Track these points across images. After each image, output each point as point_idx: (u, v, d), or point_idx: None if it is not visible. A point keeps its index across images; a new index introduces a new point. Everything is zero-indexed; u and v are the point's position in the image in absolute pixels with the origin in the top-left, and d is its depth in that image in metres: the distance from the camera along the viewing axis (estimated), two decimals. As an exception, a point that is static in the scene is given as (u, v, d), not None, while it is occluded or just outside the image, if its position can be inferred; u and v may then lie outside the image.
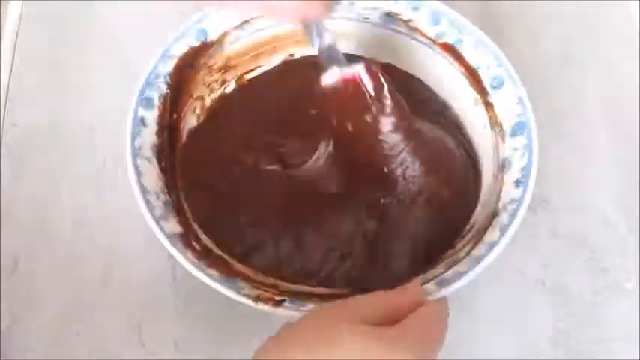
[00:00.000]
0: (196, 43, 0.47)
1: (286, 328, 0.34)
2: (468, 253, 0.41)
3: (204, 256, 0.41)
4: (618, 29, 0.58)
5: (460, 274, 0.39)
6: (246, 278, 0.41)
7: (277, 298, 0.39)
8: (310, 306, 0.39)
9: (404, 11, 0.48)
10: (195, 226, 0.44)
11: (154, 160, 0.43)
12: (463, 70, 0.48)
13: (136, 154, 0.42)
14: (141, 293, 0.46)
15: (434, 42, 0.48)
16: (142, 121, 0.43)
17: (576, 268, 0.48)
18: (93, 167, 0.50)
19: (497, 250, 0.40)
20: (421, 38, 0.49)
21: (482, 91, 0.47)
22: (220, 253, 0.43)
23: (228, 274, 0.40)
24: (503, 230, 0.41)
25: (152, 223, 0.40)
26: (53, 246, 0.47)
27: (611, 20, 0.58)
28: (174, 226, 0.41)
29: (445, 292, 0.39)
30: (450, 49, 0.48)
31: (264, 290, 0.40)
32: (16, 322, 0.45)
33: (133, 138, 0.43)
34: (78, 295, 0.46)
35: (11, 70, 0.54)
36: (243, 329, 0.42)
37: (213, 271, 0.40)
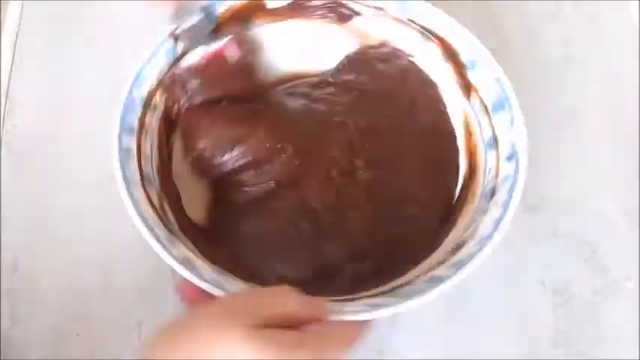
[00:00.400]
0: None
1: (175, 323, 0.32)
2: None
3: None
4: (618, 29, 0.58)
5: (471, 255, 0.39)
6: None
7: None
8: None
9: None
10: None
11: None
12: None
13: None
14: (141, 293, 0.46)
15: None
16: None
17: (576, 268, 0.48)
18: (93, 167, 0.50)
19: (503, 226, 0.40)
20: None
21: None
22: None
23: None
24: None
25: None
26: (53, 246, 0.47)
27: (611, 20, 0.58)
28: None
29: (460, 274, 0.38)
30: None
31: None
32: (16, 322, 0.45)
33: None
34: (78, 295, 0.46)
35: (11, 70, 0.54)
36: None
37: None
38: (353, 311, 0.36)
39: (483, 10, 0.57)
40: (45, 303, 0.45)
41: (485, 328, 0.46)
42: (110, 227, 0.48)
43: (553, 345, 0.45)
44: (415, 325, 0.45)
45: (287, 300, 0.33)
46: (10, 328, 0.45)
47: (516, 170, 0.42)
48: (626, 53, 0.56)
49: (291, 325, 0.32)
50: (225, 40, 0.43)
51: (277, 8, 0.48)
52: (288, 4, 0.48)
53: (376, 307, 0.37)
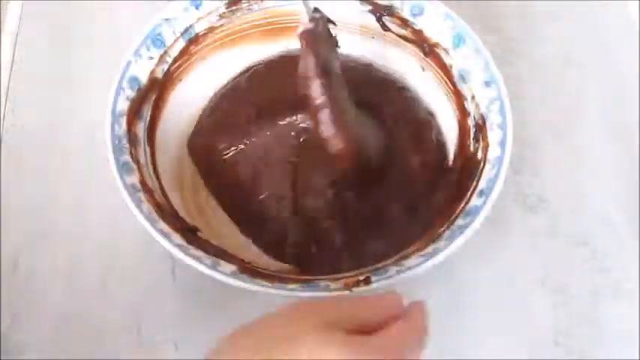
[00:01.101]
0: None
1: (242, 328, 0.32)
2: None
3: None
4: (618, 29, 0.58)
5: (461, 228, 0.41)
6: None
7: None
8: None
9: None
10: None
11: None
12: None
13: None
14: (141, 293, 0.46)
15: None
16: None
17: (576, 268, 0.48)
18: (93, 167, 0.50)
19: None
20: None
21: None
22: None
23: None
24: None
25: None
26: (53, 246, 0.47)
27: (611, 20, 0.58)
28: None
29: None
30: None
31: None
32: (16, 322, 0.45)
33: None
34: (78, 295, 0.46)
35: (11, 70, 0.54)
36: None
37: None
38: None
39: (483, 10, 0.57)
40: (45, 303, 0.45)
41: (485, 328, 0.46)
42: (110, 227, 0.48)
43: (553, 345, 0.45)
44: (415, 325, 0.45)
45: (357, 300, 0.34)
46: (10, 328, 0.45)
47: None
48: (626, 53, 0.56)
49: (365, 330, 0.32)
50: None
51: None
52: None
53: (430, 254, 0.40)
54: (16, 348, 0.44)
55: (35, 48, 0.55)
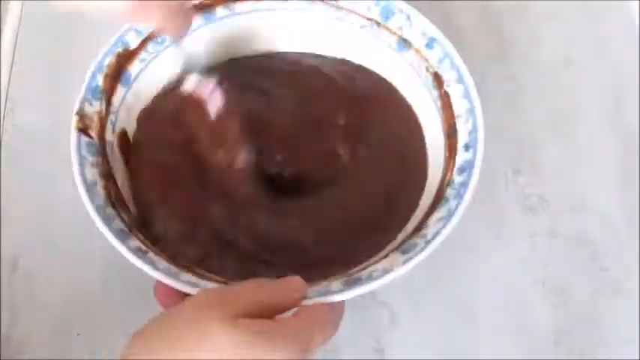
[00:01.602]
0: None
1: (151, 323, 0.32)
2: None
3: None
4: (618, 29, 0.58)
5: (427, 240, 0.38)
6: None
7: None
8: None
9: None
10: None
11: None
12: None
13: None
14: (141, 293, 0.46)
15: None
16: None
17: (576, 268, 0.48)
18: (93, 167, 0.50)
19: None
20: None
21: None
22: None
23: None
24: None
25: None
26: (53, 246, 0.47)
27: (611, 20, 0.58)
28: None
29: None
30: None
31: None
32: (16, 322, 0.45)
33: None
34: (78, 295, 0.46)
35: (11, 70, 0.54)
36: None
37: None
38: (337, 291, 0.36)
39: (483, 10, 0.57)
40: (45, 303, 0.45)
41: (485, 328, 0.46)
42: (110, 227, 0.48)
43: (553, 345, 0.45)
44: (415, 325, 0.45)
45: (259, 288, 0.33)
46: (10, 328, 0.45)
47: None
48: (626, 53, 0.56)
49: (269, 315, 0.32)
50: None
51: None
52: None
53: (363, 281, 0.36)
54: (16, 348, 0.44)
55: (35, 48, 0.55)
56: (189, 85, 0.42)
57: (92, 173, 0.41)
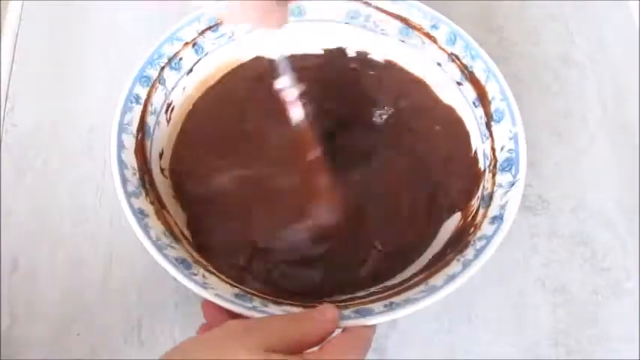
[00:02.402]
0: (204, 27, 0.46)
1: (181, 346, 0.32)
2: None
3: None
4: (618, 29, 0.58)
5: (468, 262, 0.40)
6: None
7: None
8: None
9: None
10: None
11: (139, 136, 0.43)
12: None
13: (122, 129, 0.42)
14: (141, 293, 0.46)
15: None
16: (136, 98, 0.44)
17: (576, 268, 0.48)
18: (93, 167, 0.50)
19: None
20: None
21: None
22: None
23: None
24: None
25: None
26: (53, 246, 0.47)
27: (611, 20, 0.58)
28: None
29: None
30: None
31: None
32: (16, 322, 0.45)
33: (124, 113, 0.43)
34: (78, 295, 0.46)
35: (11, 70, 0.54)
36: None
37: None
38: (378, 312, 0.36)
39: (483, 10, 0.57)
40: (45, 303, 0.45)
41: (485, 328, 0.46)
42: (110, 227, 0.48)
43: (553, 345, 0.45)
44: (415, 325, 0.45)
45: (291, 321, 0.33)
46: (10, 328, 0.45)
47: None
48: (626, 53, 0.56)
49: (299, 349, 0.31)
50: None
51: None
52: None
53: (398, 306, 0.36)
54: (16, 348, 0.44)
55: (35, 48, 0.55)
56: (279, 84, 0.42)
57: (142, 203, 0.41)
